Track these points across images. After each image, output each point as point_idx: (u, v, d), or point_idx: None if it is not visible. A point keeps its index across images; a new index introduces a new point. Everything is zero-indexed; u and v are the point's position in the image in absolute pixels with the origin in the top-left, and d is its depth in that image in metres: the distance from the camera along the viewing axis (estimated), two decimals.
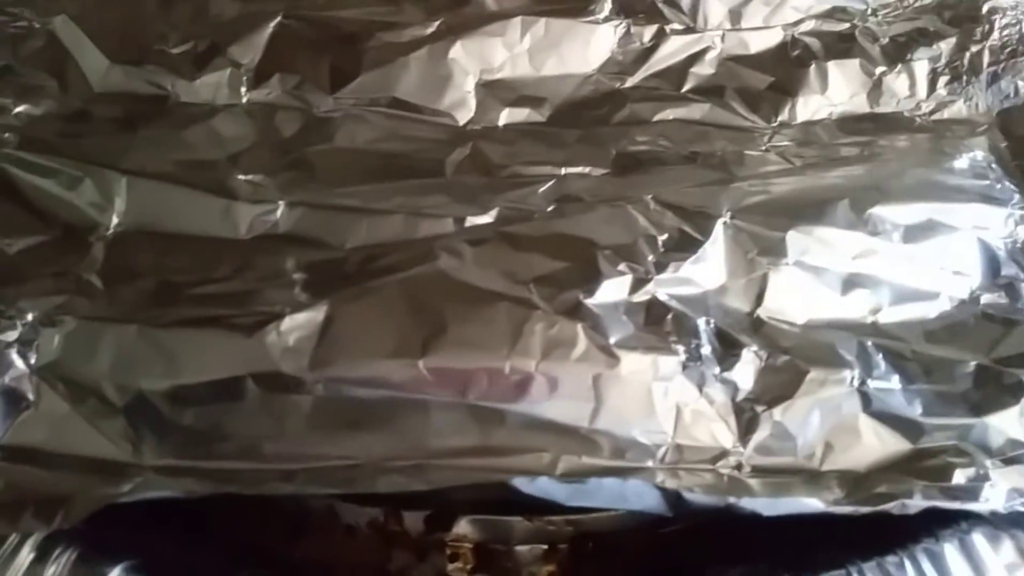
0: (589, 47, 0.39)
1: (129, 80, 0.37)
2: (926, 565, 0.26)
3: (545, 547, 0.33)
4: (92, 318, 0.29)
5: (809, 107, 0.37)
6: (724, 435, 0.27)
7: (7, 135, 0.34)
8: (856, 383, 0.28)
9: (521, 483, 0.25)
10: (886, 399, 0.28)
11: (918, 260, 0.32)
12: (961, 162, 0.35)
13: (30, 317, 0.28)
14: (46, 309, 0.29)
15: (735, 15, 0.40)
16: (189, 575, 0.27)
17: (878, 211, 0.32)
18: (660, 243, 0.30)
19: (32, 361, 0.28)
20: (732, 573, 0.28)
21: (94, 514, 0.26)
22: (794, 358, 0.28)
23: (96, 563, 0.26)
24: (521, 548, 0.33)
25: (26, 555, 0.26)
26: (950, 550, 0.26)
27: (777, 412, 0.28)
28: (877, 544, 0.26)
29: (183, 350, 0.28)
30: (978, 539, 0.27)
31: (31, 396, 0.28)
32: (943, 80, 0.38)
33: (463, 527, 0.33)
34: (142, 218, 0.32)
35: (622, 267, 0.30)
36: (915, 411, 0.28)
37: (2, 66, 0.37)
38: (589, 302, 0.29)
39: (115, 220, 0.32)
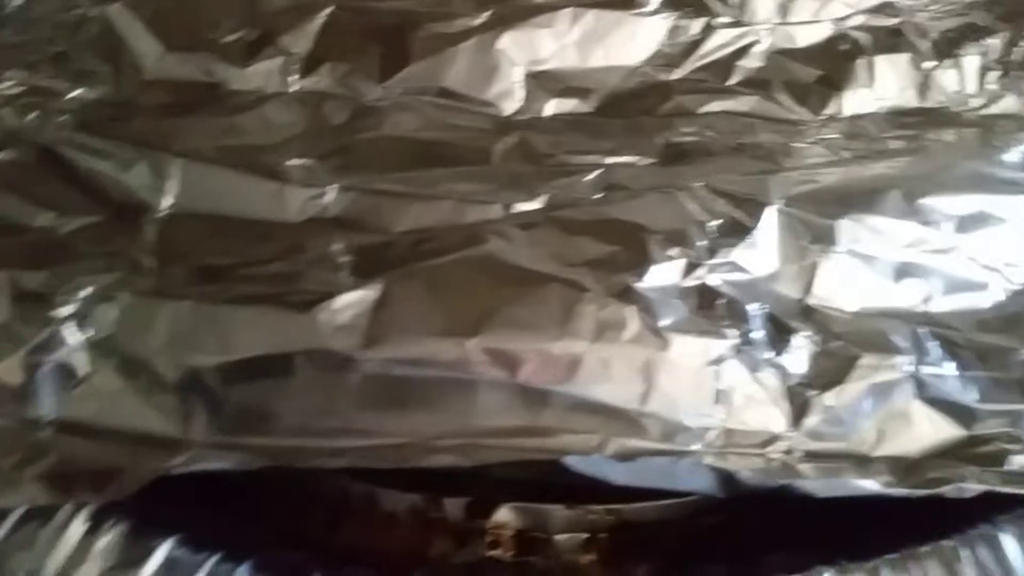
0: (636, 39, 0.39)
1: (182, 67, 0.38)
2: (982, 551, 0.26)
3: (586, 536, 0.33)
4: (146, 294, 0.29)
5: (857, 101, 0.37)
6: (776, 420, 0.27)
7: (63, 118, 0.35)
8: (909, 369, 0.28)
9: (573, 461, 0.25)
10: (940, 385, 0.28)
11: (970, 251, 0.31)
12: (1011, 155, 0.34)
13: (85, 293, 0.29)
14: (101, 285, 0.29)
15: (783, 9, 0.39)
16: (238, 551, 0.27)
17: (929, 201, 0.32)
18: (710, 229, 0.30)
19: (86, 336, 0.28)
20: (771, 559, 0.27)
21: (145, 489, 0.26)
22: (846, 343, 0.28)
23: (147, 536, 0.26)
24: (561, 536, 0.32)
25: (79, 526, 0.26)
26: (1007, 536, 0.26)
27: (829, 397, 0.27)
28: (932, 529, 0.26)
29: (236, 327, 0.28)
30: None
31: (84, 371, 0.28)
32: (993, 75, 0.37)
33: (503, 514, 0.33)
34: (194, 200, 0.33)
35: (673, 252, 0.29)
36: (970, 397, 0.28)
37: (58, 52, 0.38)
38: (640, 286, 0.29)
39: (167, 202, 0.33)
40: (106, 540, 0.26)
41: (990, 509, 0.27)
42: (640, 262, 0.29)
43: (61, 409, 0.27)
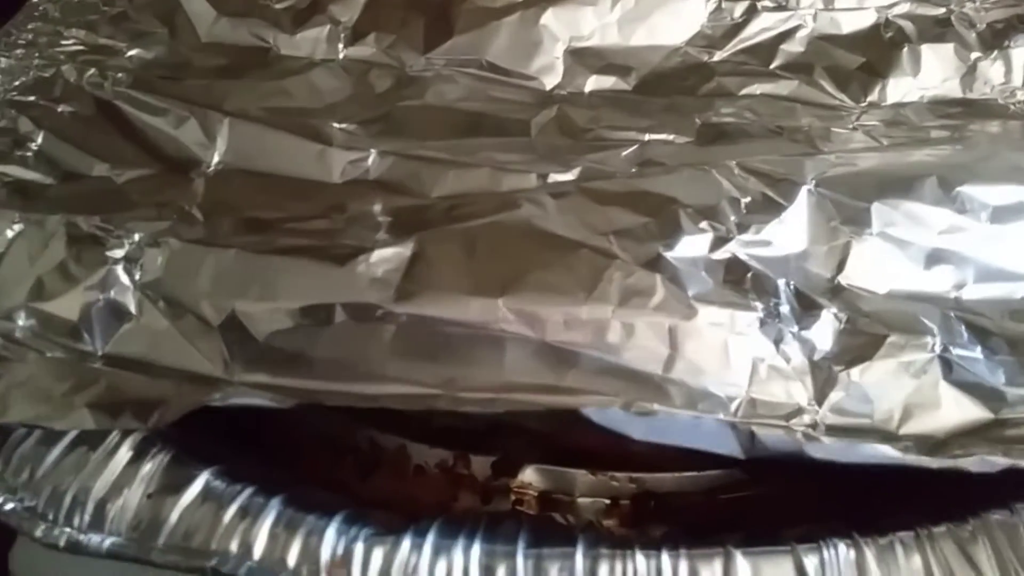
0: (679, 19, 0.39)
1: (234, 31, 0.39)
2: (999, 536, 0.25)
3: (607, 502, 0.33)
4: (193, 242, 0.30)
5: (900, 89, 0.37)
6: (799, 393, 0.27)
7: (120, 75, 0.37)
8: (938, 349, 0.28)
9: (593, 412, 0.26)
10: (968, 367, 0.28)
11: (1006, 241, 0.31)
12: None
13: (137, 238, 0.30)
14: (151, 232, 0.30)
15: None
16: (271, 486, 0.28)
17: (967, 190, 0.32)
18: (743, 205, 0.30)
19: (136, 278, 0.30)
20: (790, 533, 0.27)
21: (187, 422, 0.27)
22: (874, 321, 0.28)
23: (188, 465, 0.28)
24: (584, 500, 0.33)
25: (125, 453, 0.28)
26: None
27: (855, 373, 0.27)
28: (949, 511, 0.26)
29: (278, 276, 0.29)
30: None
31: (134, 310, 0.29)
32: None
33: (528, 475, 0.34)
34: (241, 157, 0.34)
35: (703, 225, 0.30)
36: (998, 380, 0.28)
37: (118, 12, 0.39)
38: (669, 255, 0.29)
39: (216, 158, 0.34)
40: (149, 467, 0.28)
41: (1009, 495, 0.26)
42: (671, 233, 0.30)
43: (111, 344, 0.29)
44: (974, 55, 0.38)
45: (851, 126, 0.35)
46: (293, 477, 0.30)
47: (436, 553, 0.26)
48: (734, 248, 0.30)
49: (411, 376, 0.27)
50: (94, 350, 0.29)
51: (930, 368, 0.28)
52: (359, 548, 0.26)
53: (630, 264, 0.29)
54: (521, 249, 0.29)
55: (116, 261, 0.30)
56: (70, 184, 0.34)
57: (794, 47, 0.38)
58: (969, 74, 0.38)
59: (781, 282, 0.29)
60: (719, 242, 0.30)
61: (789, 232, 0.30)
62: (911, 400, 0.27)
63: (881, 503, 0.28)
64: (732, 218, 0.30)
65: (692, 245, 0.29)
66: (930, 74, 0.37)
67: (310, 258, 0.29)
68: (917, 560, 0.25)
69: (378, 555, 0.26)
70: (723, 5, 0.39)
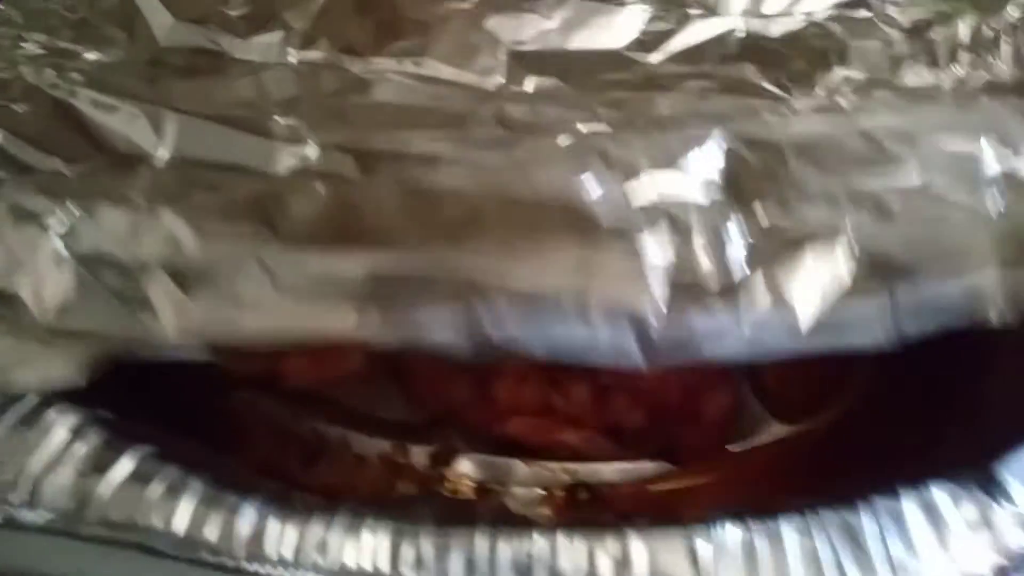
0: (616, 27, 0.40)
1: (191, 37, 0.40)
2: (885, 521, 0.26)
3: (542, 492, 0.34)
4: (130, 210, 0.32)
5: (830, 81, 0.38)
6: (718, 311, 0.28)
7: (76, 75, 0.38)
8: (857, 252, 0.29)
9: (495, 330, 0.27)
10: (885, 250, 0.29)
11: (934, 187, 0.32)
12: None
13: (73, 211, 0.32)
14: (89, 207, 0.32)
15: (757, 1, 0.41)
16: (197, 467, 0.29)
17: (891, 141, 0.33)
18: (660, 158, 0.32)
19: (74, 249, 0.31)
20: (690, 517, 0.28)
21: (127, 407, 0.29)
22: (789, 233, 0.30)
23: (119, 446, 0.29)
24: (518, 490, 0.34)
25: (62, 434, 0.29)
26: (909, 509, 0.27)
27: (771, 280, 0.29)
28: (837, 497, 0.27)
29: (206, 236, 0.31)
30: (939, 495, 0.27)
31: (72, 280, 0.30)
32: (966, 57, 0.39)
33: (464, 465, 0.35)
34: (188, 151, 0.35)
35: (616, 170, 0.31)
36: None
37: (80, 18, 0.41)
38: (582, 195, 0.31)
39: (164, 153, 0.35)
40: (84, 448, 0.29)
41: (895, 480, 0.27)
42: (584, 176, 0.31)
43: (51, 314, 0.30)
44: (900, 49, 0.39)
45: (782, 113, 0.37)
46: (224, 460, 0.31)
47: (346, 531, 0.26)
48: (647, 190, 0.31)
49: (329, 315, 0.29)
50: (36, 321, 0.30)
51: (850, 267, 0.29)
52: (274, 525, 0.27)
53: (543, 202, 0.30)
54: (435, 196, 0.31)
55: (53, 234, 0.31)
56: (23, 177, 0.35)
57: (726, 48, 0.40)
58: (896, 66, 0.39)
59: (693, 216, 0.30)
60: (632, 184, 0.31)
61: (705, 181, 0.32)
62: (832, 303, 0.28)
63: (779, 482, 0.29)
64: (646, 163, 0.32)
65: (603, 185, 0.31)
66: (859, 67, 0.39)
67: (239, 218, 0.31)
68: (805, 542, 0.26)
69: (292, 532, 0.27)
70: (658, 13, 0.41)
